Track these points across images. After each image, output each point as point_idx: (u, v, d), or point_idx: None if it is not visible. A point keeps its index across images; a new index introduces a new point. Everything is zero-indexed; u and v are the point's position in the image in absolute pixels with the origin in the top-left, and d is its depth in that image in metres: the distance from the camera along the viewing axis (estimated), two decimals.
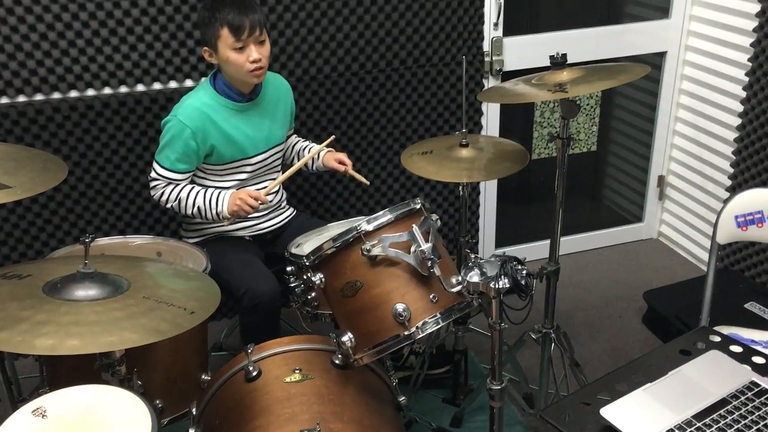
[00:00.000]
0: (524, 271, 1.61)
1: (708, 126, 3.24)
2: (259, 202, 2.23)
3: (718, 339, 1.62)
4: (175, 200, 2.26)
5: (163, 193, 2.27)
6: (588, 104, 3.38)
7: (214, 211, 2.25)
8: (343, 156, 2.44)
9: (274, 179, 2.46)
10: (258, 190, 2.36)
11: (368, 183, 2.43)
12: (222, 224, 2.33)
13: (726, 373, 1.47)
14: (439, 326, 1.67)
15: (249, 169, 2.36)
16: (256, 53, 2.16)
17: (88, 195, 2.72)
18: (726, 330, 1.92)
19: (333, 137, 2.40)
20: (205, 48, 2.21)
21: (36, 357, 2.18)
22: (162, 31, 2.59)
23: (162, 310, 1.49)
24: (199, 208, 2.25)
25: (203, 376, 1.97)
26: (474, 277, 1.62)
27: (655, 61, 3.34)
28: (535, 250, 3.39)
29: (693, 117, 3.34)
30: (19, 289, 1.50)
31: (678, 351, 1.57)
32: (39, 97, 2.56)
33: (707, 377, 1.46)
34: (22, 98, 2.54)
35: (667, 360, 1.52)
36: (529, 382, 2.53)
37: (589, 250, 3.58)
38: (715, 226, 2.05)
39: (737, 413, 1.35)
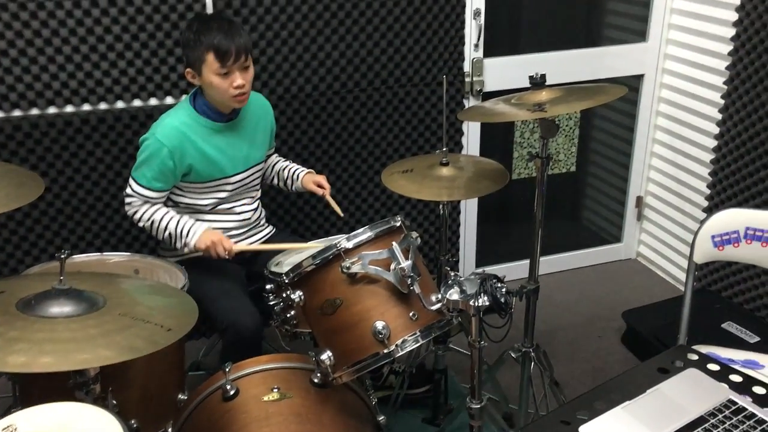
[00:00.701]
0: (504, 289, 1.61)
1: (685, 147, 3.29)
2: (227, 254, 2.20)
3: (695, 357, 1.63)
4: (148, 221, 2.24)
5: (137, 212, 2.25)
6: (567, 125, 3.42)
7: (182, 241, 2.22)
8: (321, 179, 2.44)
9: (254, 197, 2.45)
10: (236, 208, 2.35)
11: (342, 215, 2.42)
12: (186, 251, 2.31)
13: (704, 391, 1.48)
14: (418, 344, 1.67)
15: (228, 188, 2.35)
16: (241, 79, 2.15)
17: (65, 212, 2.69)
18: (704, 349, 1.92)
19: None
20: (189, 69, 2.19)
21: (8, 375, 2.13)
22: (143, 48, 2.58)
23: (138, 327, 1.47)
24: (170, 233, 2.23)
25: (180, 396, 1.94)
26: (454, 294, 1.62)
27: (633, 84, 3.38)
28: (515, 270, 3.40)
29: (670, 138, 3.39)
30: None
31: (656, 369, 1.57)
32: (17, 113, 2.54)
33: (685, 395, 1.46)
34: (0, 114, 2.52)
35: (646, 378, 1.53)
36: (509, 401, 2.52)
37: (568, 269, 3.60)
38: (692, 245, 2.07)
39: (715, 431, 1.36)
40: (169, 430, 1.80)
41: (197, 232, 2.22)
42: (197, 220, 2.28)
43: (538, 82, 2.03)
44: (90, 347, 1.36)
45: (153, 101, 2.67)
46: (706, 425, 1.38)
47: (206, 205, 2.33)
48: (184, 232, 2.22)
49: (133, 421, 1.83)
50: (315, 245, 2.19)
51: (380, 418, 1.88)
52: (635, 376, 1.54)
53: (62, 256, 1.57)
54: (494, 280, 1.62)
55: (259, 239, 2.49)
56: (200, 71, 2.15)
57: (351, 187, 3.04)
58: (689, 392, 1.47)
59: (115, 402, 1.68)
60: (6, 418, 1.24)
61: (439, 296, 1.67)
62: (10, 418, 1.24)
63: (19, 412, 1.25)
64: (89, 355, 1.34)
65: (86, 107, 2.60)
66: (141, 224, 2.26)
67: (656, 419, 1.38)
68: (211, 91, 2.19)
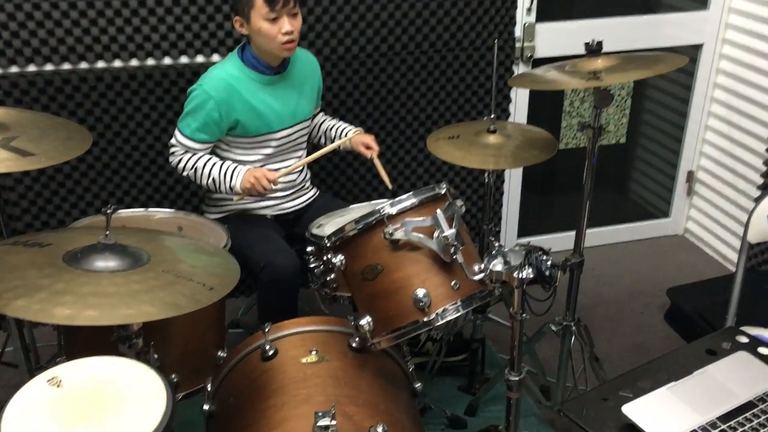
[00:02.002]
0: (549, 262, 1.58)
1: (741, 122, 3.17)
2: (272, 184, 2.21)
3: (745, 340, 1.58)
4: (191, 168, 2.25)
5: (180, 160, 2.26)
6: (619, 95, 3.32)
7: (227, 184, 2.23)
8: (370, 140, 2.39)
9: (299, 157, 2.44)
10: (282, 167, 2.35)
11: (390, 186, 2.31)
12: (234, 200, 2.31)
13: (753, 375, 1.44)
14: (459, 314, 1.65)
15: (274, 144, 2.34)
16: (289, 25, 2.13)
17: (112, 166, 2.72)
18: (753, 331, 1.87)
19: (360, 129, 2.37)
20: (237, 17, 2.18)
21: (54, 326, 2.18)
22: (191, 3, 2.57)
23: (181, 284, 1.47)
24: (213, 179, 2.24)
25: (219, 353, 1.96)
26: (497, 265, 1.59)
27: (691, 54, 3.26)
28: (557, 241, 3.34)
29: (726, 112, 3.26)
30: (40, 258, 1.49)
31: (704, 351, 1.53)
32: (66, 66, 2.55)
33: (733, 378, 1.42)
34: (49, 66, 2.54)
35: (693, 359, 1.49)
36: (546, 374, 2.50)
37: (613, 243, 3.53)
38: (746, 224, 2.00)
39: (764, 417, 1.32)
40: (208, 386, 1.82)
41: (240, 173, 2.23)
42: None
43: (594, 50, 1.95)
44: (134, 302, 1.37)
45: (200, 58, 2.66)
46: (755, 410, 1.34)
47: (252, 162, 2.32)
48: (228, 176, 2.23)
49: (173, 376, 1.86)
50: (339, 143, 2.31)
51: (417, 385, 1.88)
52: (682, 357, 1.50)
53: (108, 212, 1.58)
54: (540, 252, 1.59)
55: (304, 201, 2.48)
56: (249, 18, 2.14)
57: (395, 151, 3.01)
58: (738, 376, 1.43)
59: (156, 356, 1.70)
60: (50, 369, 1.26)
61: (482, 266, 1.64)
62: (55, 369, 1.26)
63: (63, 365, 1.27)
64: (133, 310, 1.34)
65: (134, 62, 2.61)
66: (185, 173, 2.27)
67: (702, 402, 1.35)
68: (260, 39, 2.17)
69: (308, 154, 2.49)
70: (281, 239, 2.33)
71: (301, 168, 2.45)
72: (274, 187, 2.24)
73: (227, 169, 2.24)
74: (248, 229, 2.32)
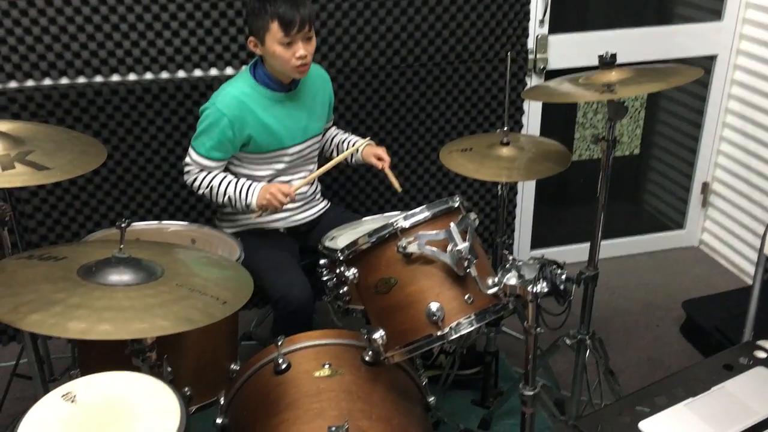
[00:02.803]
0: (564, 276, 1.56)
1: (757, 133, 3.14)
2: (289, 198, 2.22)
3: (763, 355, 1.56)
4: (207, 187, 2.26)
5: (196, 179, 2.27)
6: (633, 106, 3.30)
7: (243, 202, 2.23)
8: (381, 151, 2.40)
9: (311, 171, 2.44)
10: (294, 180, 2.35)
11: (400, 189, 2.34)
12: (252, 216, 2.32)
13: None
14: (473, 328, 1.64)
15: (286, 159, 2.34)
16: (303, 50, 2.14)
17: (126, 179, 2.73)
18: None
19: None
20: (251, 38, 2.19)
21: (68, 338, 2.19)
22: (205, 17, 2.59)
23: (194, 298, 1.48)
24: (229, 197, 2.25)
25: (232, 366, 1.96)
26: (511, 279, 1.57)
27: (705, 65, 3.24)
28: (571, 253, 3.33)
29: (742, 123, 3.24)
30: (54, 271, 1.49)
31: (722, 366, 1.51)
32: (81, 80, 2.58)
33: (752, 395, 1.40)
34: (64, 80, 2.56)
35: (710, 375, 1.47)
36: (560, 387, 2.47)
37: (627, 255, 3.50)
38: (763, 237, 1.98)
39: None
40: (221, 399, 1.82)
41: (256, 190, 2.23)
42: None
43: (608, 62, 1.94)
44: (147, 317, 1.37)
45: (213, 71, 2.68)
46: None
47: (264, 177, 2.33)
48: (243, 193, 2.23)
49: (186, 389, 1.86)
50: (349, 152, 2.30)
51: (430, 399, 1.87)
52: (699, 372, 1.48)
53: (123, 225, 1.59)
54: (554, 266, 1.57)
55: (315, 213, 2.48)
56: (263, 40, 2.14)
57: (407, 163, 3.00)
58: (756, 392, 1.41)
59: (170, 369, 1.70)
60: (65, 385, 1.26)
61: (496, 280, 1.62)
62: (70, 385, 1.26)
63: (77, 380, 1.28)
64: (147, 324, 1.34)
65: (148, 76, 2.63)
66: (200, 192, 2.27)
67: (720, 419, 1.33)
68: (273, 61, 2.18)
69: (320, 166, 2.49)
70: (295, 263, 2.32)
71: (313, 161, 2.45)
72: (290, 201, 2.24)
73: (242, 186, 2.24)
74: (261, 250, 2.30)
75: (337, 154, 2.54)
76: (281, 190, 2.21)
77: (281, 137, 2.30)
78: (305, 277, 2.26)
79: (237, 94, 2.22)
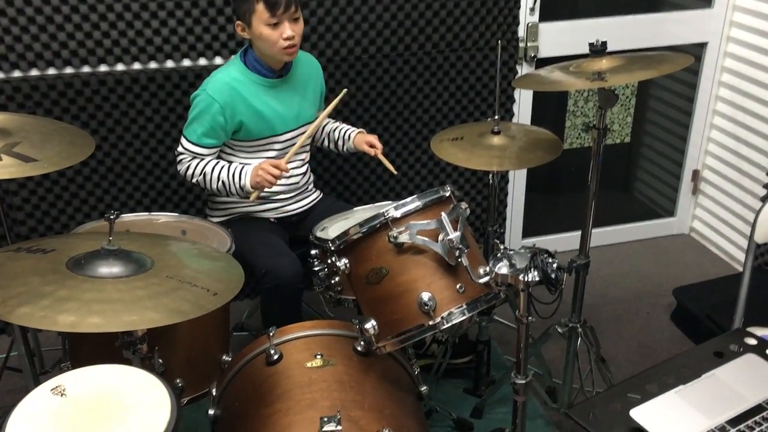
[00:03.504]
0: (555, 265, 1.56)
1: (747, 120, 3.15)
2: (281, 170, 2.19)
3: (753, 342, 1.57)
4: (200, 175, 2.25)
5: (188, 168, 2.25)
6: (624, 94, 3.30)
7: (237, 185, 2.22)
8: (373, 139, 2.40)
9: (303, 159, 2.43)
10: (287, 179, 2.34)
11: (395, 172, 2.37)
12: (248, 201, 2.30)
13: (762, 378, 1.42)
14: (464, 317, 1.64)
15: (278, 146, 2.33)
16: (290, 30, 2.13)
17: (115, 170, 2.71)
18: (760, 332, 1.85)
19: (345, 90, 2.33)
20: (239, 22, 2.18)
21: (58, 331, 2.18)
22: (193, 7, 2.56)
23: (185, 290, 1.47)
24: (223, 182, 2.23)
25: (224, 357, 1.95)
26: (503, 268, 1.57)
27: (695, 52, 3.24)
28: (562, 242, 3.34)
29: (732, 111, 3.25)
30: (43, 264, 1.48)
31: (712, 353, 1.52)
32: (69, 70, 2.55)
33: (742, 381, 1.41)
34: (51, 71, 2.54)
35: (701, 362, 1.48)
36: (552, 375, 2.48)
37: (618, 243, 3.51)
38: (753, 224, 1.98)
39: None
40: (213, 391, 1.82)
41: (248, 172, 2.21)
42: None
43: (598, 50, 1.94)
44: (137, 309, 1.36)
45: (202, 61, 2.65)
46: (764, 414, 1.32)
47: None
48: (236, 176, 2.22)
49: (178, 381, 1.86)
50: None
51: (422, 388, 1.87)
52: (689, 360, 1.49)
53: (112, 217, 1.58)
54: (545, 255, 1.57)
55: (307, 203, 2.48)
56: (250, 23, 2.13)
57: (398, 152, 3.00)
58: (747, 379, 1.42)
59: (161, 361, 1.70)
60: (55, 378, 1.25)
61: (488, 269, 1.63)
62: (59, 378, 1.25)
63: (67, 373, 1.27)
64: (136, 317, 1.34)
65: (137, 66, 2.60)
66: (194, 180, 2.26)
67: (711, 406, 1.34)
68: (261, 44, 2.16)
69: (311, 156, 2.49)
70: (283, 243, 2.32)
71: (304, 172, 2.44)
72: (282, 173, 2.21)
73: (235, 169, 2.23)
74: (250, 233, 2.31)
75: (329, 144, 2.53)
76: (272, 164, 2.19)
77: (273, 124, 2.28)
78: (292, 253, 2.25)
79: (228, 80, 2.21)
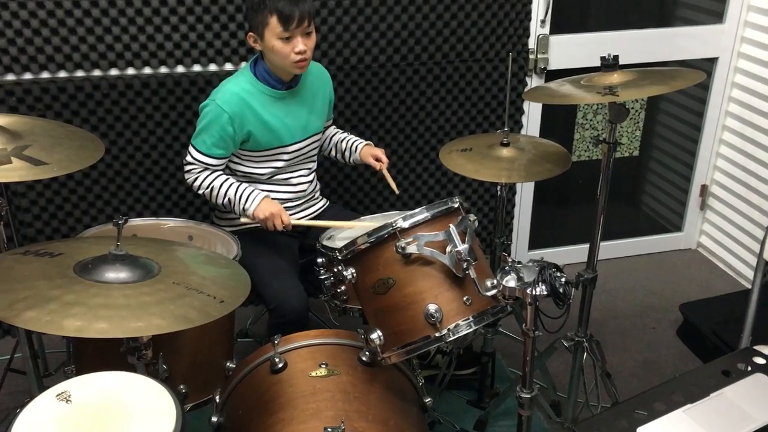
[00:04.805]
0: (563, 279, 1.56)
1: (756, 136, 3.14)
2: (283, 228, 2.20)
3: (762, 361, 1.55)
4: (208, 188, 2.24)
5: (197, 179, 2.25)
6: (633, 108, 3.30)
7: (241, 206, 2.21)
8: (380, 152, 2.40)
9: (310, 168, 2.43)
10: (293, 178, 2.34)
11: (397, 191, 2.38)
12: (242, 220, 2.28)
13: None
14: (471, 330, 1.63)
15: (285, 157, 2.33)
16: (302, 45, 2.13)
17: (123, 174, 2.72)
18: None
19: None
20: (251, 33, 2.18)
21: None
22: (205, 13, 2.57)
23: (191, 297, 1.46)
24: (229, 199, 2.23)
25: (228, 364, 1.95)
26: (510, 281, 1.57)
27: (706, 67, 3.23)
28: (569, 254, 3.32)
29: (741, 126, 3.24)
30: (50, 268, 1.48)
31: (720, 372, 1.51)
32: (80, 73, 2.56)
33: (751, 401, 1.40)
34: (62, 74, 2.54)
35: (709, 381, 1.46)
36: (557, 389, 2.47)
37: (624, 257, 3.50)
38: (762, 242, 1.97)
39: None
40: (217, 398, 1.81)
41: (256, 200, 2.21)
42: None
43: (610, 64, 1.93)
44: (144, 315, 1.36)
45: (212, 67, 2.66)
46: None
47: (263, 174, 2.32)
48: (243, 198, 2.21)
49: (181, 387, 1.85)
50: (370, 224, 2.16)
51: (427, 400, 1.86)
52: (698, 378, 1.48)
53: (120, 222, 1.58)
54: (554, 269, 1.56)
55: (314, 212, 2.47)
56: (262, 35, 2.13)
57: (406, 162, 2.99)
58: (755, 398, 1.41)
59: (165, 367, 1.69)
60: (60, 384, 1.25)
61: (495, 282, 1.62)
62: (64, 384, 1.25)
63: (72, 380, 1.27)
64: (142, 323, 1.33)
65: (147, 70, 2.61)
66: (201, 191, 2.26)
67: (719, 425, 1.32)
68: (273, 56, 2.16)
69: (319, 166, 2.49)
70: (294, 269, 2.30)
71: (311, 180, 2.44)
72: (286, 229, 2.22)
73: (243, 191, 2.22)
74: (261, 256, 2.27)
75: (336, 153, 2.53)
76: (282, 218, 2.19)
77: (281, 135, 2.28)
78: (301, 286, 2.24)
79: (237, 90, 2.21)
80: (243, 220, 2.24)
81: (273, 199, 2.27)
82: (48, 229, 2.73)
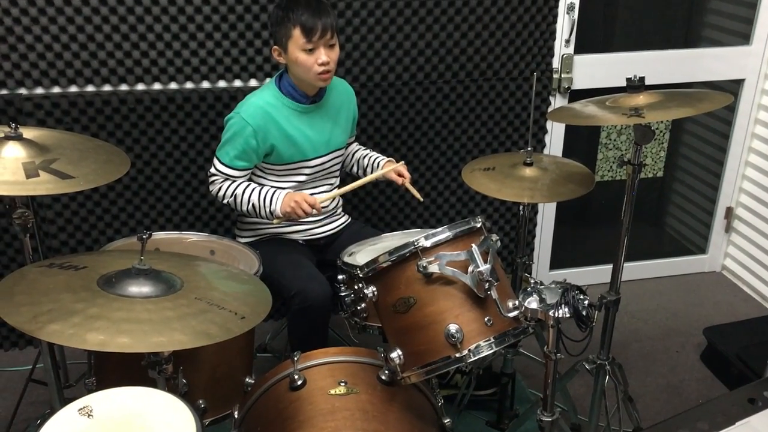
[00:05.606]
0: (586, 302, 1.54)
1: None
2: (313, 209, 2.21)
3: None
4: (231, 196, 2.26)
5: (220, 189, 2.27)
6: (658, 128, 3.27)
7: (267, 209, 2.23)
8: (402, 168, 2.40)
9: (332, 184, 2.44)
10: (315, 194, 2.34)
11: (422, 199, 2.37)
12: (273, 224, 2.31)
13: None
14: (492, 351, 1.62)
15: (308, 171, 2.34)
16: (325, 56, 2.15)
17: (147, 188, 2.74)
18: None
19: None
20: (275, 47, 2.20)
21: None
22: (231, 29, 2.60)
23: (213, 312, 1.47)
24: (253, 204, 2.24)
25: (247, 379, 1.95)
26: (533, 303, 1.56)
27: (732, 89, 3.21)
28: (590, 275, 3.30)
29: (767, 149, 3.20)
30: (75, 281, 1.49)
31: (746, 399, 1.48)
32: (107, 87, 2.59)
33: None
34: (90, 88, 2.58)
35: (734, 408, 1.44)
36: (578, 412, 2.44)
37: (647, 278, 3.46)
38: None
39: None
40: (235, 413, 1.81)
41: (280, 197, 2.22)
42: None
43: (636, 85, 1.92)
44: (166, 330, 1.36)
45: (237, 83, 2.68)
46: None
47: (285, 189, 2.33)
48: (267, 200, 2.23)
49: (200, 401, 1.86)
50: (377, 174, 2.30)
51: (446, 421, 1.84)
52: (723, 406, 1.45)
53: (144, 237, 1.59)
54: (576, 291, 1.55)
55: (334, 228, 2.48)
56: (286, 48, 2.15)
57: (428, 180, 2.99)
58: None
59: (185, 381, 1.69)
60: (82, 399, 1.25)
61: (517, 303, 1.61)
62: (86, 399, 1.25)
63: (94, 394, 1.27)
64: (164, 338, 1.34)
65: (173, 85, 2.64)
66: (225, 201, 2.28)
67: None
68: (296, 69, 2.18)
69: (341, 181, 2.49)
70: (312, 265, 2.32)
71: (335, 175, 2.45)
72: (315, 212, 2.23)
73: (266, 194, 2.24)
74: (279, 254, 2.31)
75: (358, 170, 2.53)
76: (306, 200, 2.21)
77: (304, 149, 2.29)
78: (322, 275, 2.25)
79: (261, 104, 2.23)
80: (275, 221, 2.26)
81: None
82: (72, 240, 2.76)
